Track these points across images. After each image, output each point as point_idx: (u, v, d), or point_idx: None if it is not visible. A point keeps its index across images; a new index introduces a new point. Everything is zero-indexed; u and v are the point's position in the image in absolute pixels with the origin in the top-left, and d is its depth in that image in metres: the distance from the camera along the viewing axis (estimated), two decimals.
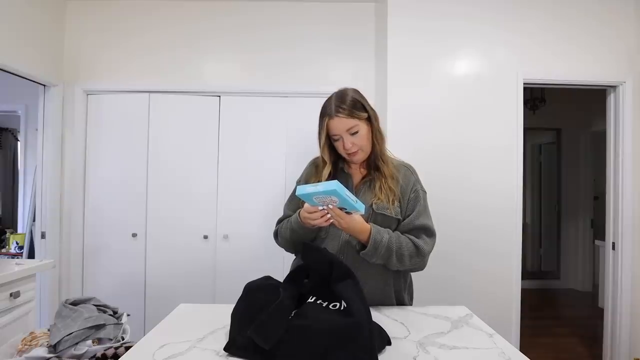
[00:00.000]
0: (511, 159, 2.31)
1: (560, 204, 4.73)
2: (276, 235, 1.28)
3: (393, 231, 1.15)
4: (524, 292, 2.34)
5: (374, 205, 1.15)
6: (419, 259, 1.14)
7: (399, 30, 2.32)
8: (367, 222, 1.10)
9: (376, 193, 1.17)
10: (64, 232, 2.51)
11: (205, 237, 2.52)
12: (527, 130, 2.40)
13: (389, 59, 2.31)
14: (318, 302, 0.88)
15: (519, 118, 2.32)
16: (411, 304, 1.26)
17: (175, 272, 2.49)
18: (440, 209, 2.34)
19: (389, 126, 2.29)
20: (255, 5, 2.56)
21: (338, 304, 0.85)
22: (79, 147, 2.51)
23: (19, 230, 3.45)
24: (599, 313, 2.64)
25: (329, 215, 1.04)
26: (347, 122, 1.13)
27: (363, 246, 1.11)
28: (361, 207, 1.01)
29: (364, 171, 1.25)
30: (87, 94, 2.55)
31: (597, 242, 4.14)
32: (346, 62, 2.60)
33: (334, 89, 1.22)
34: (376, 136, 1.19)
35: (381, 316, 1.08)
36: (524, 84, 2.33)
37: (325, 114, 1.16)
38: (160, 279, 2.48)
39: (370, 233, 1.08)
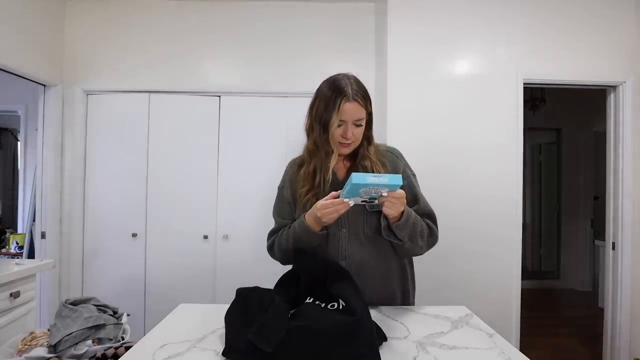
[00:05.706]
0: (511, 159, 2.31)
1: (560, 204, 4.73)
2: (271, 247, 1.19)
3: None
4: (524, 292, 2.34)
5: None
6: (432, 240, 1.13)
7: (399, 31, 2.32)
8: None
9: None
10: (64, 232, 2.51)
11: (205, 237, 2.52)
12: (527, 130, 2.40)
13: (389, 59, 2.31)
14: (316, 302, 0.87)
15: (519, 118, 2.32)
16: (414, 302, 1.24)
17: (175, 272, 2.49)
18: (440, 210, 2.34)
19: (389, 126, 2.29)
20: (256, 5, 2.56)
21: (336, 304, 0.85)
22: (79, 147, 2.51)
23: (19, 230, 3.44)
24: (599, 313, 2.64)
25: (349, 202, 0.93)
26: (359, 112, 1.05)
27: (387, 226, 1.04)
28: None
29: (347, 163, 1.17)
30: (87, 94, 2.55)
31: (597, 242, 4.14)
32: (346, 62, 2.59)
33: None
34: (368, 128, 1.13)
35: (381, 316, 1.07)
36: (524, 84, 2.33)
37: (341, 93, 1.03)
38: (160, 278, 2.48)
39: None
